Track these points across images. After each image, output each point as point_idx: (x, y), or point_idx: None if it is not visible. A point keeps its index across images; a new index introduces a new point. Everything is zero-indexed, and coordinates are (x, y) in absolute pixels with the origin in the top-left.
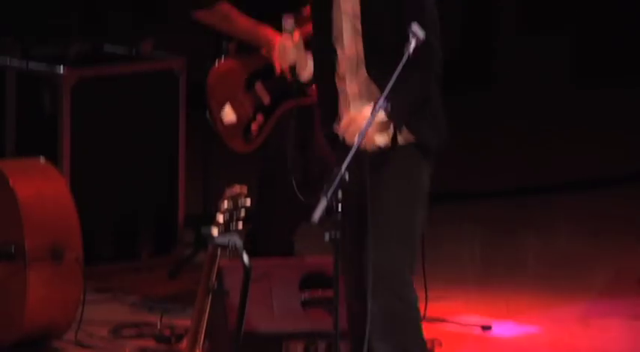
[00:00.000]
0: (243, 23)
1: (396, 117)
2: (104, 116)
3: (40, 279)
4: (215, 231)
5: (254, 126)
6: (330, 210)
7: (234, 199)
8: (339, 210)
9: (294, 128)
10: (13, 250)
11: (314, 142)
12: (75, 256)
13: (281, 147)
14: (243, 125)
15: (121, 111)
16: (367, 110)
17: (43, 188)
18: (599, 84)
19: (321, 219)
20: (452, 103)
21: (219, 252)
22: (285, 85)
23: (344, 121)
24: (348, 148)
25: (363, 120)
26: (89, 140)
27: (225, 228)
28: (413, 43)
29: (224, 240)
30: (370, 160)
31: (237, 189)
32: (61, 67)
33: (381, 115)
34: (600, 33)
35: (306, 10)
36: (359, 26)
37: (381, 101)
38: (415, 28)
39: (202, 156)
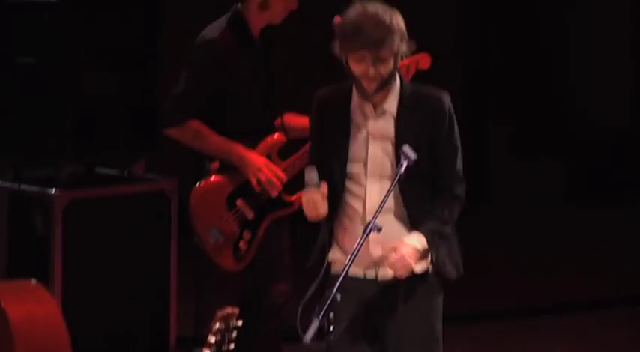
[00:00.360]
0: (214, 140)
1: (434, 246)
2: (96, 237)
3: None
4: None
5: (242, 244)
6: (321, 331)
7: (226, 320)
8: (331, 331)
9: (278, 238)
10: None
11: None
12: None
13: (269, 259)
14: (231, 243)
15: (113, 232)
16: (409, 239)
17: (34, 309)
18: (594, 205)
19: (313, 339)
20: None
21: None
22: (266, 199)
23: (393, 257)
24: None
25: (410, 253)
26: (81, 261)
27: (217, 349)
28: (405, 164)
29: None
30: (396, 291)
31: (228, 310)
32: (53, 188)
33: (424, 242)
34: (595, 156)
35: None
36: (390, 149)
37: (373, 223)
38: (406, 149)
39: (194, 277)
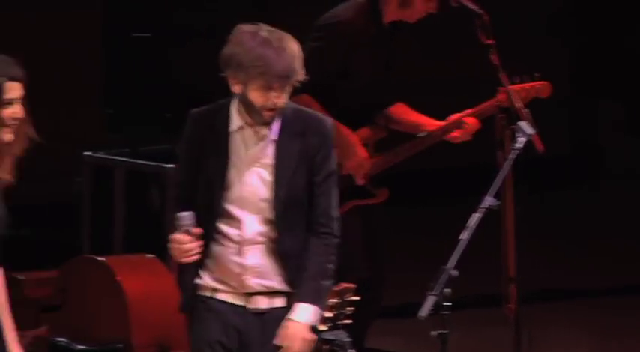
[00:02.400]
0: None
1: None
2: None
3: None
4: (323, 327)
5: None
6: (437, 306)
7: (341, 295)
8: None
9: (360, 226)
10: (120, 348)
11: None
12: None
13: (344, 245)
14: None
15: None
16: (295, 316)
17: (150, 284)
18: None
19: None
20: (563, 199)
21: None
22: (350, 184)
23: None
24: None
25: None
26: None
27: (333, 324)
28: (522, 140)
29: (331, 335)
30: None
31: (344, 285)
32: (170, 163)
33: (309, 312)
34: None
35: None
36: (266, 176)
37: None
38: (523, 124)
39: None
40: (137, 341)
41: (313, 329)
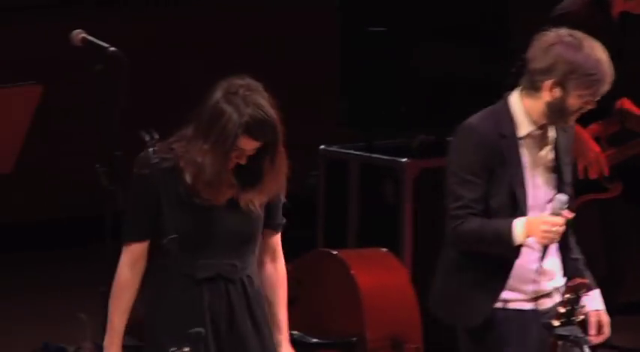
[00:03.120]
0: None
1: None
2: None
3: None
4: (556, 322)
5: None
6: None
7: (576, 291)
8: None
9: (597, 221)
10: (354, 342)
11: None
12: (415, 348)
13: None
14: None
15: None
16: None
17: (384, 278)
18: None
19: None
20: None
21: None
22: (584, 178)
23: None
24: None
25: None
26: (431, 231)
27: (567, 320)
28: None
29: (565, 331)
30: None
31: (578, 280)
32: (404, 158)
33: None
34: None
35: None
36: (550, 176)
37: None
38: None
39: None
40: (371, 335)
41: (547, 325)
